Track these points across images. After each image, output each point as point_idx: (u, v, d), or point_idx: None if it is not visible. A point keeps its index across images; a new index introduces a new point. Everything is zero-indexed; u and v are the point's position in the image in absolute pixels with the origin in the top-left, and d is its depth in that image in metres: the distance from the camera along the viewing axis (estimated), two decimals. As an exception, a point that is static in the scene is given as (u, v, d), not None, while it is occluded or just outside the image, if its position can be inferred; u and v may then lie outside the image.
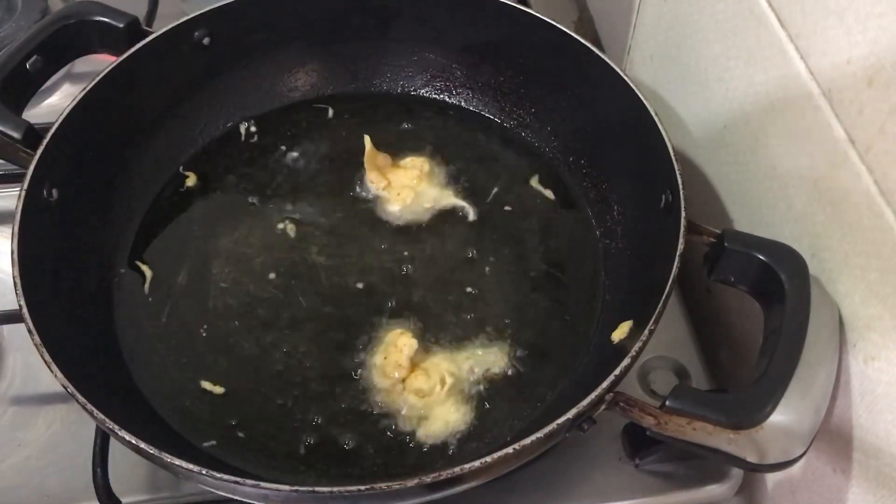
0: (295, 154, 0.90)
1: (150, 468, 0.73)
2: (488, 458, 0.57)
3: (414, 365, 0.72)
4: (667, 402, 0.57)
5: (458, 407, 0.72)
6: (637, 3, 0.93)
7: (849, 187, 0.58)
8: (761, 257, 0.64)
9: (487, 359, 0.74)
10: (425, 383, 0.71)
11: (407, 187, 0.85)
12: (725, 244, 0.65)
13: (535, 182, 0.88)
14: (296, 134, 0.92)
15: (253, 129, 0.92)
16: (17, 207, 0.69)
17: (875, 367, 0.58)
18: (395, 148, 0.88)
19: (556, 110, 0.89)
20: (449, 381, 0.71)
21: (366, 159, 0.86)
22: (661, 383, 0.79)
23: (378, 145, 0.87)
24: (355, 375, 0.73)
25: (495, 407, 0.72)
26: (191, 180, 0.87)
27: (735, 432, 0.57)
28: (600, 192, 0.85)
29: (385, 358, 0.72)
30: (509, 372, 0.74)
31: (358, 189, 0.87)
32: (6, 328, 0.83)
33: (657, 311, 0.62)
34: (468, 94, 0.94)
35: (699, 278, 0.73)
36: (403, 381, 0.72)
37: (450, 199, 0.86)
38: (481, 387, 0.73)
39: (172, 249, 0.82)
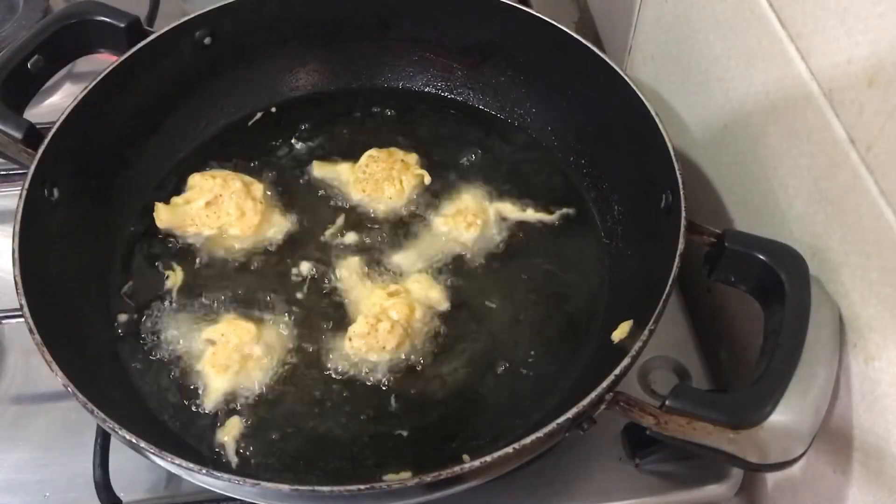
0: (295, 152, 0.90)
1: (150, 468, 0.73)
2: (488, 458, 0.57)
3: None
4: (667, 402, 0.57)
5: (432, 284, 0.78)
6: (637, 4, 0.93)
7: (849, 187, 0.58)
8: (761, 257, 0.64)
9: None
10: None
11: (402, 185, 0.85)
12: (726, 244, 0.65)
13: (534, 181, 0.88)
14: (296, 132, 0.92)
15: (253, 128, 0.92)
16: (17, 207, 0.69)
17: (875, 367, 0.58)
18: (396, 146, 0.88)
19: (556, 110, 0.89)
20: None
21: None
22: (661, 383, 0.79)
23: (378, 143, 0.87)
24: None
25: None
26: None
27: (735, 432, 0.57)
28: (601, 191, 0.85)
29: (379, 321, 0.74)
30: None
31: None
32: (7, 328, 0.83)
33: (657, 311, 0.62)
34: (469, 93, 0.94)
35: (699, 278, 0.73)
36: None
37: (448, 196, 0.86)
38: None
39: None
